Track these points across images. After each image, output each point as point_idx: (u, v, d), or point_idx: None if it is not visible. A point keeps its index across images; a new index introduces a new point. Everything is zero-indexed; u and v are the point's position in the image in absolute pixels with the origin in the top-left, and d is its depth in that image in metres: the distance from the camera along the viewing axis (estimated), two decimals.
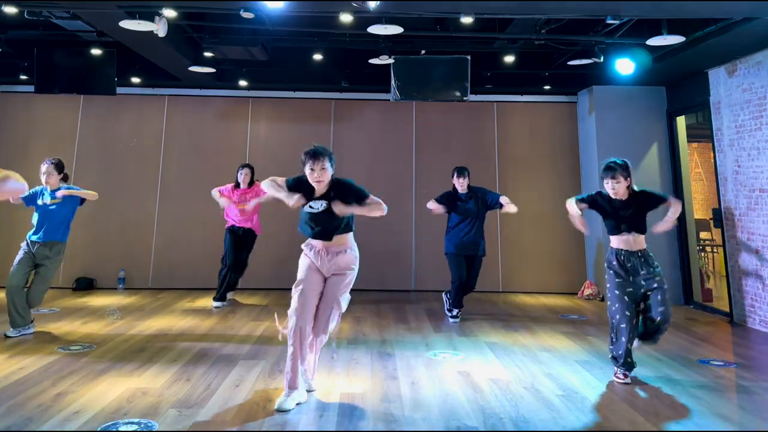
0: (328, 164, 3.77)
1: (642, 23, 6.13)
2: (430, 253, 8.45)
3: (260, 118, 8.95)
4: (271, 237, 8.08)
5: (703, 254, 10.28)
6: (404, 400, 3.81)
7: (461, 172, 6.48)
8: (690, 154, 9.85)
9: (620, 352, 4.27)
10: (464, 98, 7.31)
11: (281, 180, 3.91)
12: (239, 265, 7.27)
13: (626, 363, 4.27)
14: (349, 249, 3.91)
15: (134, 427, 3.27)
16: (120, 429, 3.25)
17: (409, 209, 8.71)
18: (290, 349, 3.71)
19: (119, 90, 7.89)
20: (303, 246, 3.97)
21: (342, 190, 3.80)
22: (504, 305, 7.52)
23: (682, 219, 7.70)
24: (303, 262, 3.90)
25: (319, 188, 3.82)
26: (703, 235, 11.15)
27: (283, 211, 8.63)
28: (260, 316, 6.52)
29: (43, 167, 5.57)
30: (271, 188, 3.87)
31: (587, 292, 8.18)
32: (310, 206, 3.81)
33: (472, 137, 8.91)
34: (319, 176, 3.76)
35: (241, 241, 7.17)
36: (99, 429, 3.23)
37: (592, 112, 8.38)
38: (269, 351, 4.97)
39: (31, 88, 7.64)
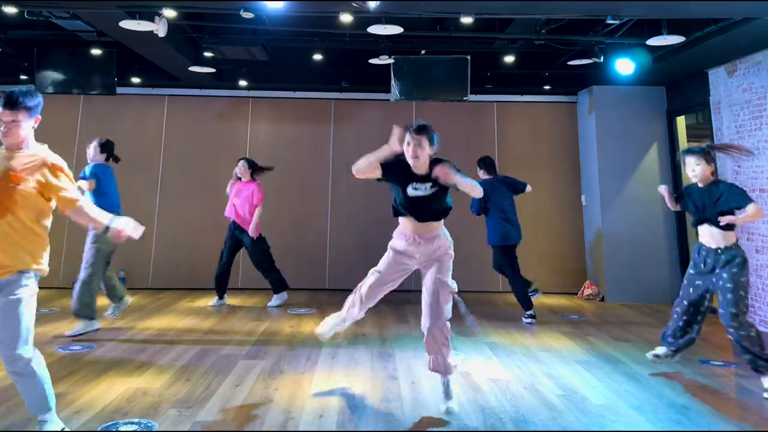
0: (426, 142, 3.54)
1: (642, 23, 6.13)
2: None
3: (260, 118, 8.94)
4: (271, 237, 8.07)
5: None
6: (404, 400, 3.81)
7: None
8: None
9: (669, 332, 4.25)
10: (464, 98, 7.31)
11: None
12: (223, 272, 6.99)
13: (676, 344, 4.27)
14: (442, 234, 3.66)
15: (134, 427, 3.27)
16: (120, 429, 3.25)
17: None
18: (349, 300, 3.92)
19: (119, 90, 7.89)
20: (394, 234, 3.76)
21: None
22: (504, 305, 7.50)
23: (682, 219, 7.70)
24: (389, 253, 3.72)
25: (417, 166, 3.57)
26: None
27: (283, 210, 8.67)
28: (260, 316, 6.52)
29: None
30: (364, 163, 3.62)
31: (587, 292, 8.17)
32: (414, 188, 3.56)
33: (472, 137, 8.89)
34: (415, 151, 3.51)
35: (236, 241, 6.96)
36: (99, 429, 3.24)
37: (592, 112, 8.38)
38: (269, 351, 4.98)
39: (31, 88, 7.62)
